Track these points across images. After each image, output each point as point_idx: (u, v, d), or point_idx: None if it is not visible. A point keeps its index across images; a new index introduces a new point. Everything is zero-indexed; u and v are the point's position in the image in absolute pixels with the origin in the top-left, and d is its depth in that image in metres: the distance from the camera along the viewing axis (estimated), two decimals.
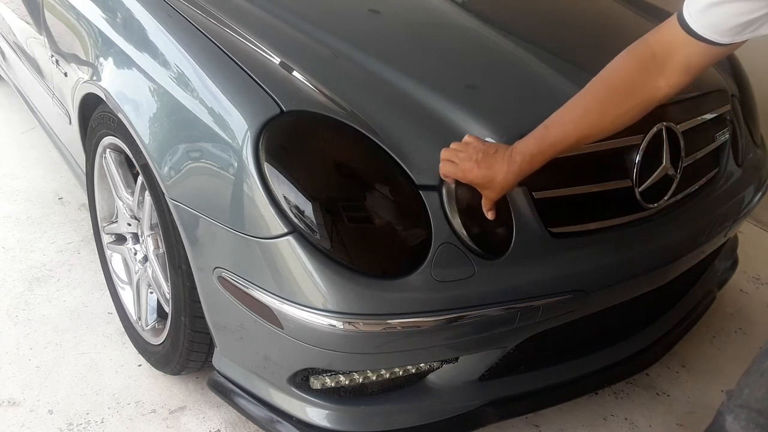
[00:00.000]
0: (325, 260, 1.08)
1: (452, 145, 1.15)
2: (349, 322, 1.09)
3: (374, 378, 1.27)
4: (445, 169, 1.14)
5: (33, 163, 2.59)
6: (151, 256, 1.55)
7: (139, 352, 1.68)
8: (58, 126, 2.05)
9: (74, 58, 1.68)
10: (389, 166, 1.15)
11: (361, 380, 1.27)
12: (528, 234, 1.21)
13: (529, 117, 1.29)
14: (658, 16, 1.99)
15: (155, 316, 1.62)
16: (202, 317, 1.34)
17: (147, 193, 1.44)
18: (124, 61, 1.44)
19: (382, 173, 1.16)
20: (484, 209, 1.16)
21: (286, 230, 1.09)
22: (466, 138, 1.17)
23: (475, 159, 1.11)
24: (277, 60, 1.28)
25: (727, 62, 1.87)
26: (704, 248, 1.53)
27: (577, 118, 1.07)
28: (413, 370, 1.29)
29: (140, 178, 1.46)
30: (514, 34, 1.55)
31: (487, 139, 1.22)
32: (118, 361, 1.68)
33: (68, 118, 1.83)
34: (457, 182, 1.16)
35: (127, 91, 1.40)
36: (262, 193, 1.10)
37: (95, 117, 1.60)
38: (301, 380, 1.27)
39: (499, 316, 1.17)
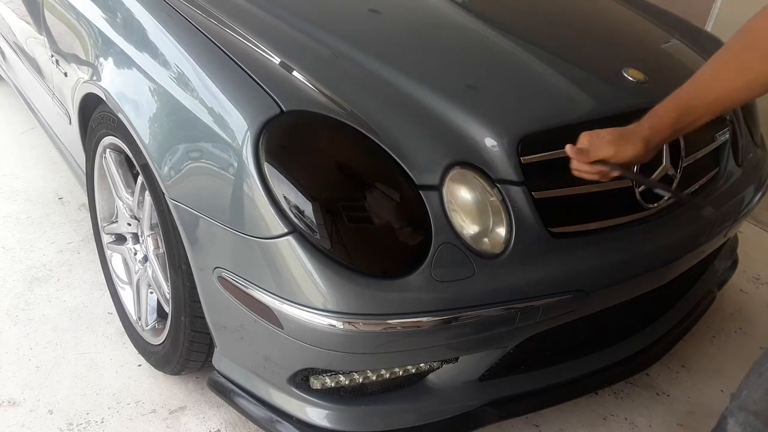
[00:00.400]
0: (325, 260, 1.08)
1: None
2: (349, 322, 1.09)
3: (374, 378, 1.27)
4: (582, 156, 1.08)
5: (33, 163, 2.59)
6: (151, 256, 1.55)
7: (139, 352, 1.68)
8: (58, 126, 2.05)
9: (74, 58, 1.68)
10: (389, 166, 1.15)
11: (361, 380, 1.27)
12: (528, 234, 1.21)
13: (529, 117, 1.29)
14: (658, 16, 1.99)
15: (155, 316, 1.62)
16: (202, 317, 1.34)
17: (147, 193, 1.44)
18: (124, 61, 1.44)
19: (382, 173, 1.16)
20: (592, 173, 1.10)
21: (286, 230, 1.09)
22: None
23: (608, 140, 1.07)
24: (277, 60, 1.28)
25: None
26: (704, 248, 1.52)
27: (716, 73, 1.00)
28: (413, 370, 1.29)
29: (140, 178, 1.46)
30: (514, 34, 1.55)
31: (486, 139, 1.22)
32: (118, 361, 1.68)
33: (68, 118, 1.83)
34: (456, 182, 1.16)
35: (127, 91, 1.40)
36: (262, 193, 1.10)
37: (95, 117, 1.60)
38: (301, 380, 1.27)
39: (499, 316, 1.17)
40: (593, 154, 1.08)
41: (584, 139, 1.10)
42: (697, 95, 1.02)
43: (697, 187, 1.51)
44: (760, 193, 1.69)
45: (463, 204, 1.17)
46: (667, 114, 1.05)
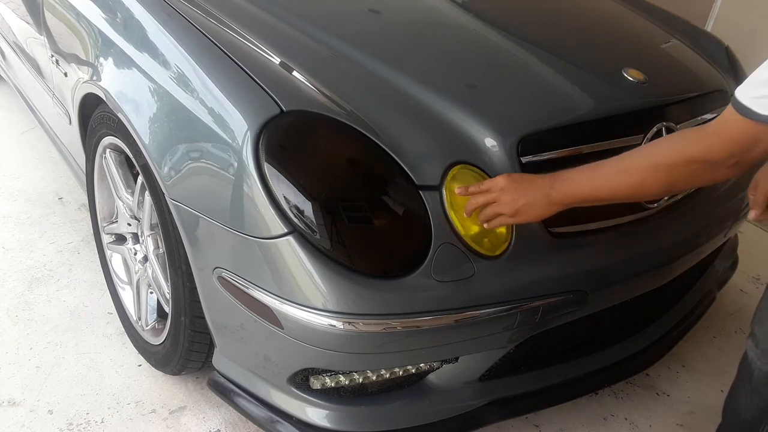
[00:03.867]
0: (325, 260, 1.08)
1: (478, 194, 1.13)
2: (349, 322, 1.09)
3: (374, 378, 1.27)
4: (487, 214, 1.12)
5: (33, 163, 2.59)
6: (151, 256, 1.55)
7: (139, 352, 1.68)
8: (58, 126, 2.05)
9: (74, 58, 1.68)
10: (389, 166, 1.15)
11: (361, 380, 1.27)
12: (528, 234, 1.21)
13: (529, 117, 1.29)
14: (658, 16, 1.99)
15: (155, 316, 1.62)
16: (202, 317, 1.34)
17: (147, 193, 1.44)
18: (124, 61, 1.44)
19: (382, 173, 1.16)
20: (491, 225, 1.14)
21: (286, 230, 1.09)
22: (487, 184, 1.14)
23: (513, 198, 1.10)
24: (277, 60, 1.28)
25: (727, 62, 1.87)
26: (704, 248, 1.52)
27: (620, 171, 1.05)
28: (413, 370, 1.29)
29: (140, 178, 1.46)
30: (514, 33, 1.55)
31: (486, 139, 1.22)
32: (118, 361, 1.68)
33: (68, 118, 1.83)
34: (456, 182, 1.16)
35: (127, 91, 1.40)
36: (262, 193, 1.10)
37: (95, 117, 1.60)
38: (301, 380, 1.27)
39: (499, 316, 1.17)
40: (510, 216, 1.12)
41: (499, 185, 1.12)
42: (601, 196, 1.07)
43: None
44: None
45: (463, 204, 1.17)
46: (571, 202, 1.10)
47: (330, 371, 1.25)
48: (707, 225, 1.50)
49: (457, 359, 1.28)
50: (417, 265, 1.11)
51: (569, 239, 1.27)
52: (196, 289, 1.31)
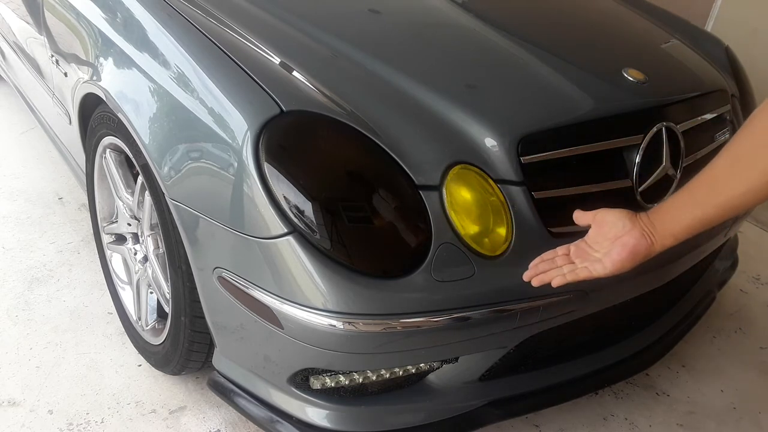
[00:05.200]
0: (325, 260, 1.08)
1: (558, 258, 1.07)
2: (349, 322, 1.09)
3: (374, 378, 1.27)
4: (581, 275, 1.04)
5: (33, 163, 2.59)
6: (151, 256, 1.55)
7: (139, 352, 1.68)
8: (58, 126, 2.05)
9: (74, 58, 1.68)
10: (389, 166, 1.15)
11: (361, 380, 1.27)
12: (528, 234, 1.21)
13: (529, 117, 1.30)
14: (658, 16, 1.99)
15: (155, 316, 1.62)
16: (202, 317, 1.34)
17: (147, 193, 1.44)
18: (124, 61, 1.44)
19: (382, 173, 1.15)
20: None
21: (286, 230, 1.09)
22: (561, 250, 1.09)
23: (604, 253, 1.03)
24: (277, 60, 1.28)
25: (727, 62, 1.87)
26: (704, 248, 1.52)
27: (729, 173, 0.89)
28: (413, 370, 1.29)
29: (140, 178, 1.46)
30: (514, 33, 1.55)
31: (486, 139, 1.22)
32: (118, 361, 1.68)
33: (68, 118, 1.83)
34: (456, 182, 1.16)
35: (127, 91, 1.40)
36: (262, 193, 1.10)
37: (95, 117, 1.60)
38: (301, 380, 1.27)
39: (499, 316, 1.17)
40: (587, 272, 1.05)
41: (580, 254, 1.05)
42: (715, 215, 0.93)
43: None
44: None
45: (463, 204, 1.17)
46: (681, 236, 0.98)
47: (330, 371, 1.25)
48: None
49: (457, 359, 1.27)
50: (417, 265, 1.11)
51: (569, 239, 1.26)
52: (196, 289, 1.31)
